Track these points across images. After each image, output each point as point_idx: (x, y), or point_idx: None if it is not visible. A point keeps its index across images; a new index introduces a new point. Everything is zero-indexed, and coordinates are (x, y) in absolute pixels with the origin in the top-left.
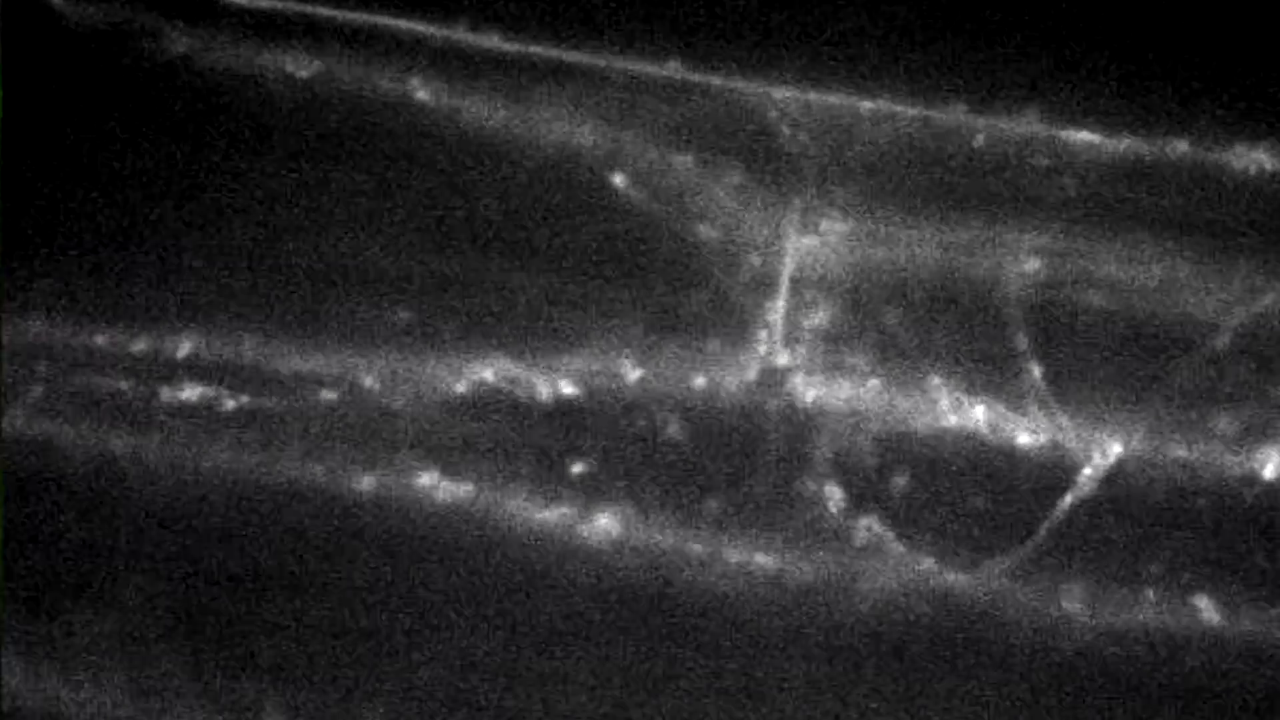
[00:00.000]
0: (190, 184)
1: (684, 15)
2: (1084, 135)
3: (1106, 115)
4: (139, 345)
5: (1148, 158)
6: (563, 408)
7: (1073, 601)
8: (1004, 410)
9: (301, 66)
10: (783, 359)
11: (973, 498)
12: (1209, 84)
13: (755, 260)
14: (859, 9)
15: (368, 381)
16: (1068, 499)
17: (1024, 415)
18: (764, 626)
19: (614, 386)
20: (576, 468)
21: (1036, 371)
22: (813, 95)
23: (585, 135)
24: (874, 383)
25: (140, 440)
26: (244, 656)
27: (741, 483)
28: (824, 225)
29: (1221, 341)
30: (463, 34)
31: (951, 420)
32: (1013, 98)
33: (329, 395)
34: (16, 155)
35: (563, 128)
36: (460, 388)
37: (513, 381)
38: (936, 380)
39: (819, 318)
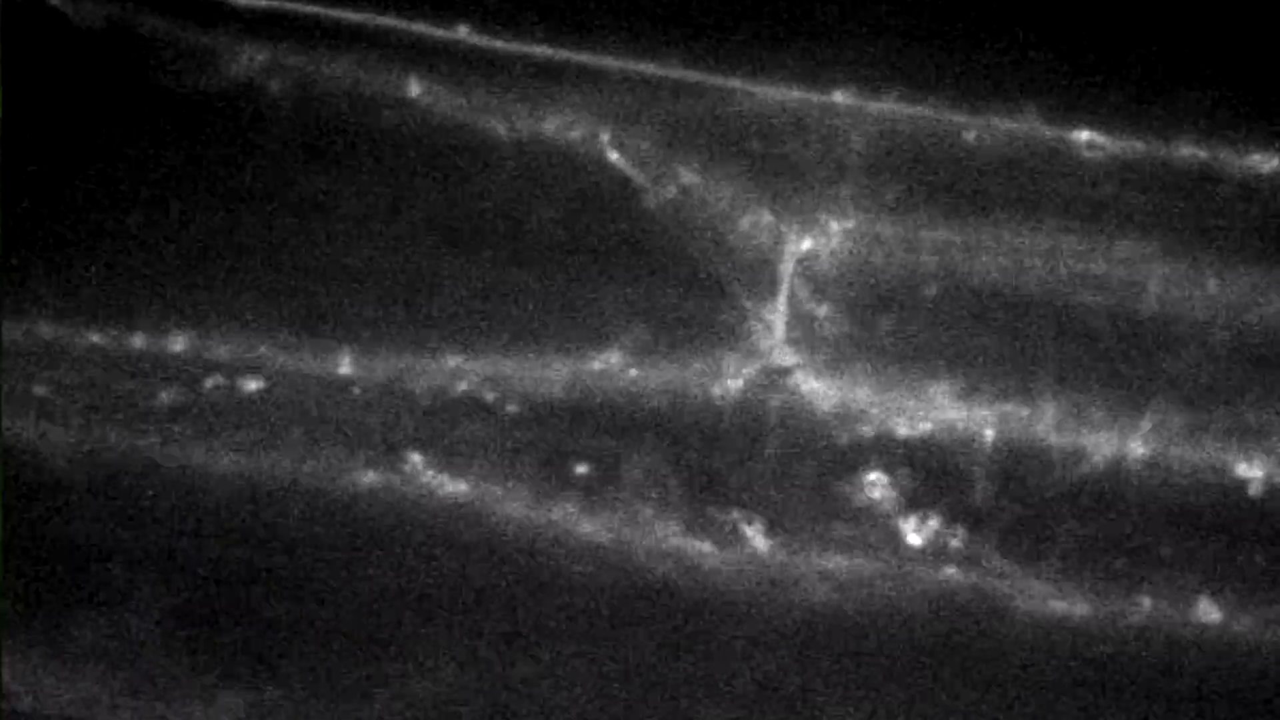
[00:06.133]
0: (189, 183)
1: (684, 15)
2: (1084, 135)
3: (1107, 115)
4: (139, 345)
5: (1149, 158)
6: (563, 408)
7: (1073, 601)
8: (1003, 409)
9: (299, 66)
10: (783, 359)
11: (972, 497)
12: (1211, 85)
13: (755, 260)
14: (859, 9)
15: (367, 380)
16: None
17: (1024, 414)
18: (764, 626)
19: (613, 386)
20: (577, 468)
21: (1036, 371)
22: (813, 95)
23: (584, 135)
24: (874, 382)
25: (140, 440)
26: (243, 656)
27: (741, 482)
28: (824, 225)
29: (1222, 342)
30: (461, 34)
31: (949, 419)
32: (1013, 97)
33: (328, 394)
34: (16, 155)
35: (562, 128)
36: (460, 387)
37: (512, 381)
38: (936, 379)
39: (819, 317)
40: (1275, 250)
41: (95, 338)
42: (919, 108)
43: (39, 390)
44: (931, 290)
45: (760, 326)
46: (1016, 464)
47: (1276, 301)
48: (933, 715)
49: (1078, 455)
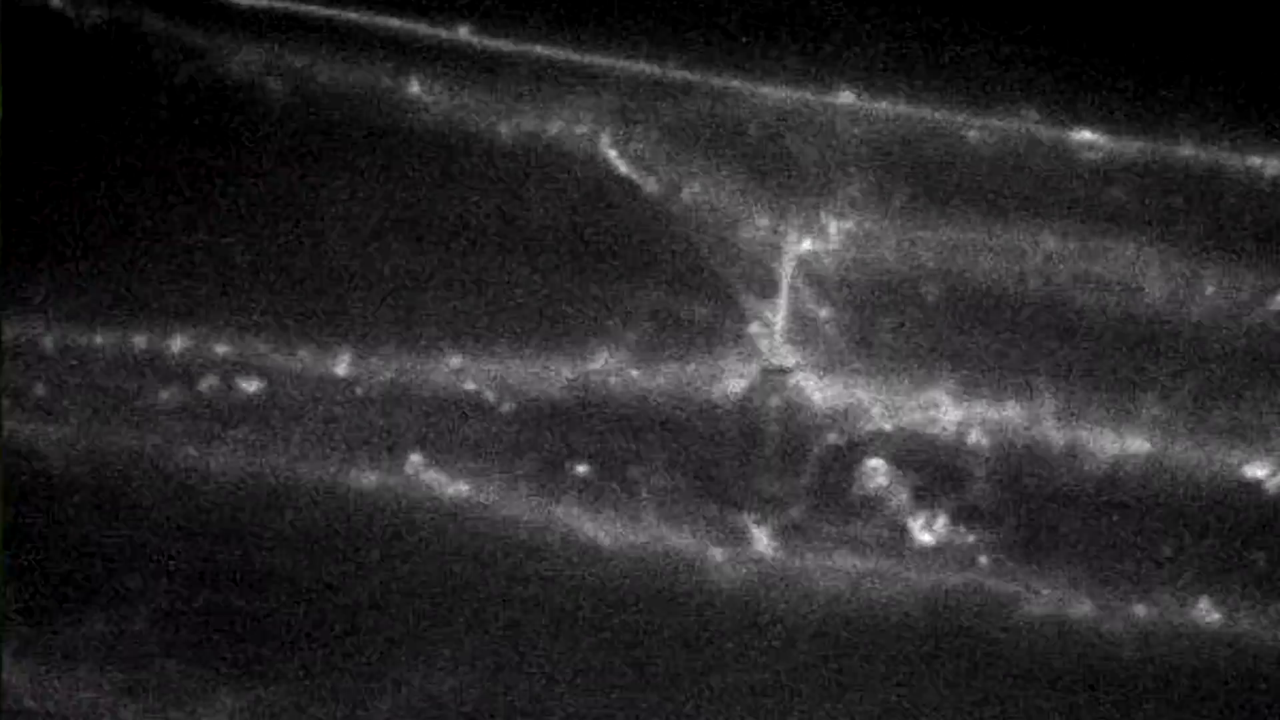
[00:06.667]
0: (189, 183)
1: (684, 15)
2: (1085, 135)
3: (1108, 115)
4: (139, 345)
5: (1149, 158)
6: (563, 408)
7: (1074, 601)
8: (1004, 409)
9: (300, 65)
10: (783, 359)
11: (972, 497)
12: (1213, 85)
13: (755, 260)
14: (859, 9)
15: (367, 380)
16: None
17: (1024, 414)
18: (766, 626)
19: (614, 386)
20: (577, 468)
21: (1036, 371)
22: (813, 95)
23: (584, 135)
24: (874, 382)
25: (140, 440)
26: (243, 656)
27: (741, 482)
28: (824, 225)
29: (1222, 342)
30: (461, 34)
31: (950, 419)
32: (1013, 97)
33: (328, 394)
34: (16, 155)
35: (562, 128)
36: (460, 387)
37: (512, 381)
38: (936, 379)
39: (819, 318)
40: (1276, 251)
41: (95, 338)
42: (919, 108)
43: (39, 390)
44: (931, 290)
45: (760, 327)
46: (1017, 464)
47: (1277, 302)
48: (934, 715)
49: (1078, 455)
